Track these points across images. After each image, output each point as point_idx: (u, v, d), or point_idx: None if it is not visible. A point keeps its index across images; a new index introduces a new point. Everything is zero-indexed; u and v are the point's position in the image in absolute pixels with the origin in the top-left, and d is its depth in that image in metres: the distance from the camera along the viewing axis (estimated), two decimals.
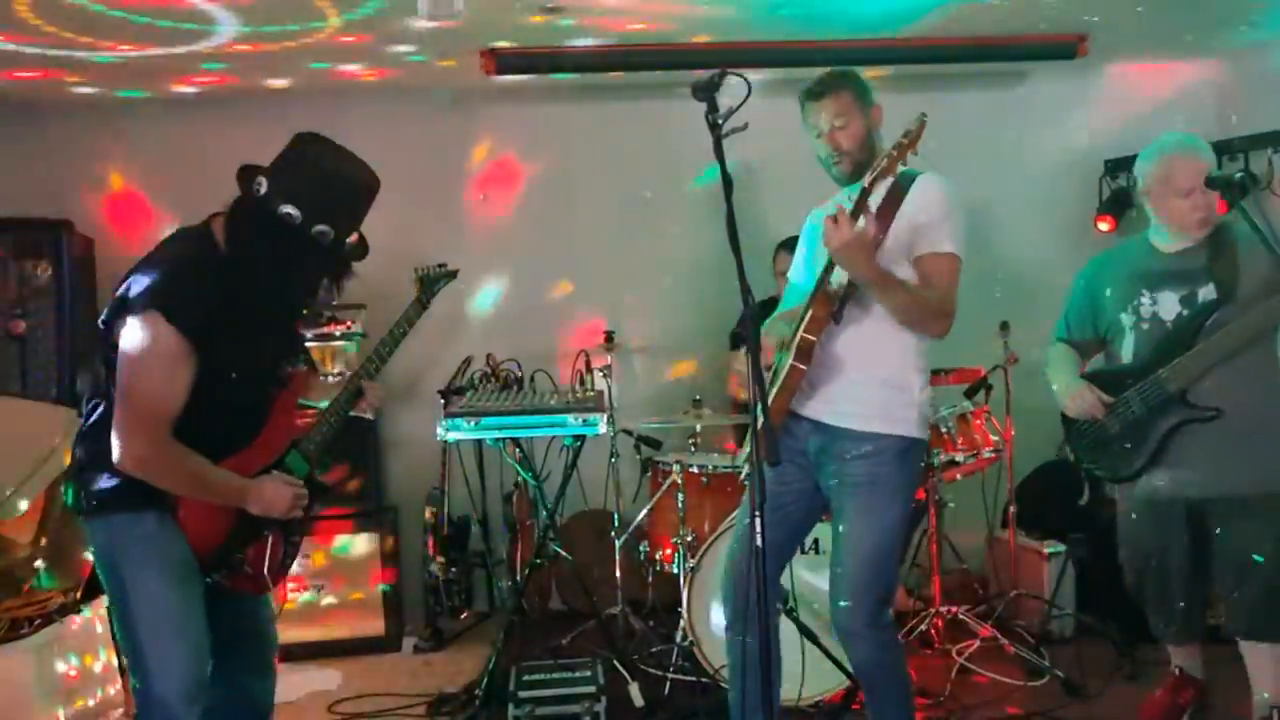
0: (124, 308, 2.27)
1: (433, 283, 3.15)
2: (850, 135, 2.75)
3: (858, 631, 2.75)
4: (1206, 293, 3.12)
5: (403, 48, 4.20)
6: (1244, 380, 3.06)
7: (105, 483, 2.34)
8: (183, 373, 2.27)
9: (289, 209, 2.29)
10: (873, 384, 2.74)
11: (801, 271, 3.00)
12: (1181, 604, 3.26)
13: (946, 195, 2.73)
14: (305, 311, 2.69)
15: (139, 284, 2.28)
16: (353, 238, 2.45)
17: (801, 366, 2.68)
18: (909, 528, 2.91)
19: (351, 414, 2.75)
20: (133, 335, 2.24)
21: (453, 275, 3.24)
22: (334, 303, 2.97)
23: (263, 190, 2.32)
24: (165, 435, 2.28)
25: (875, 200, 2.68)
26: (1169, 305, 3.19)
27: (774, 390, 2.73)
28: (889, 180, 2.64)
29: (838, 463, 2.75)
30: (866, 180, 2.60)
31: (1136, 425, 3.21)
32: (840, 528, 2.76)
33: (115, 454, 2.27)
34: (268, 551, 2.51)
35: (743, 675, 2.91)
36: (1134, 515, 3.32)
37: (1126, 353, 3.29)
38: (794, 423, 2.80)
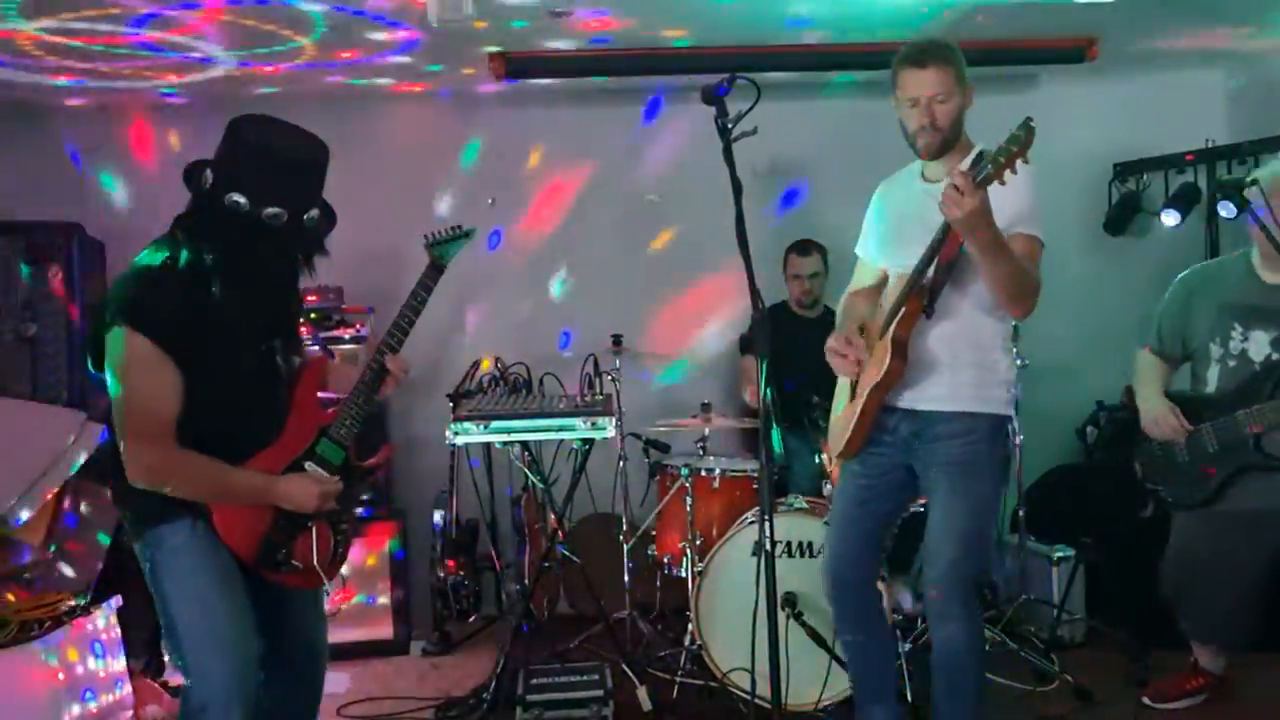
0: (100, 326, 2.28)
1: (444, 246, 2.85)
2: (948, 113, 2.70)
3: (950, 611, 2.76)
4: None
5: (411, 52, 4.22)
6: None
7: (138, 500, 2.35)
8: (165, 378, 2.24)
9: (236, 197, 2.23)
10: (963, 367, 2.76)
11: (872, 247, 2.99)
12: (1238, 617, 3.32)
13: (1034, 180, 2.69)
14: (294, 297, 2.58)
15: (108, 301, 2.29)
16: (313, 212, 2.36)
17: (901, 365, 2.69)
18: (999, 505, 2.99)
19: (379, 395, 2.64)
20: (109, 352, 2.25)
21: (468, 235, 2.94)
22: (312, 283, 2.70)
23: (209, 183, 2.27)
24: (168, 442, 2.27)
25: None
26: (1260, 345, 3.14)
27: (869, 385, 2.75)
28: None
29: (932, 444, 2.78)
30: (982, 175, 2.45)
31: (1207, 460, 3.19)
32: (935, 508, 2.78)
33: (126, 469, 2.28)
34: (314, 544, 2.47)
35: (860, 673, 3.02)
36: (1206, 529, 3.30)
37: (1211, 382, 3.26)
38: (883, 413, 2.82)
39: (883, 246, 2.94)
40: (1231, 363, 3.20)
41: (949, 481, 2.76)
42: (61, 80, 4.37)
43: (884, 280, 2.97)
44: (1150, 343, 3.45)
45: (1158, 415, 3.31)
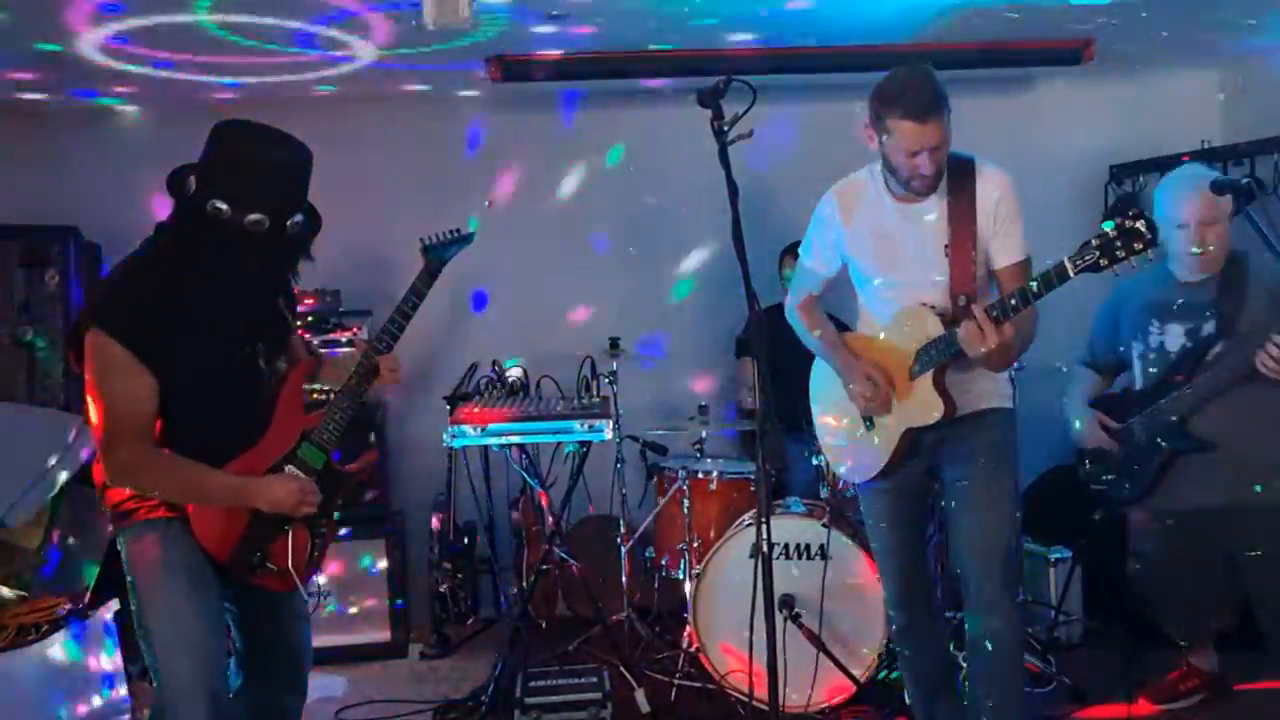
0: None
1: (440, 250, 2.88)
2: (943, 158, 2.69)
3: (995, 600, 2.76)
4: (1210, 328, 3.21)
5: (409, 54, 4.22)
6: (1244, 412, 3.13)
7: (117, 498, 2.38)
8: (139, 381, 2.25)
9: (218, 204, 2.24)
10: (984, 378, 2.82)
11: (833, 261, 2.98)
12: (1207, 613, 3.45)
13: (1016, 194, 2.76)
14: (281, 299, 2.60)
15: (87, 305, 2.32)
16: (297, 217, 2.36)
17: (953, 407, 2.75)
18: None
19: (370, 392, 2.66)
20: (85, 354, 2.27)
21: (466, 239, 2.96)
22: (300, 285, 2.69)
23: (192, 189, 2.29)
24: (143, 443, 2.29)
25: (942, 204, 2.73)
26: (1175, 338, 3.29)
27: (908, 424, 2.81)
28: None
29: (960, 442, 2.82)
30: (1036, 288, 2.54)
31: (1139, 451, 3.34)
32: (972, 499, 2.80)
33: (103, 469, 2.31)
34: (290, 547, 2.47)
35: (924, 673, 3.05)
36: (1153, 530, 3.44)
37: (1137, 380, 3.42)
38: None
39: (872, 271, 2.90)
40: (1152, 356, 3.34)
41: (984, 468, 2.79)
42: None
43: (828, 286, 3.03)
44: (1084, 356, 3.61)
45: (1083, 426, 3.47)
